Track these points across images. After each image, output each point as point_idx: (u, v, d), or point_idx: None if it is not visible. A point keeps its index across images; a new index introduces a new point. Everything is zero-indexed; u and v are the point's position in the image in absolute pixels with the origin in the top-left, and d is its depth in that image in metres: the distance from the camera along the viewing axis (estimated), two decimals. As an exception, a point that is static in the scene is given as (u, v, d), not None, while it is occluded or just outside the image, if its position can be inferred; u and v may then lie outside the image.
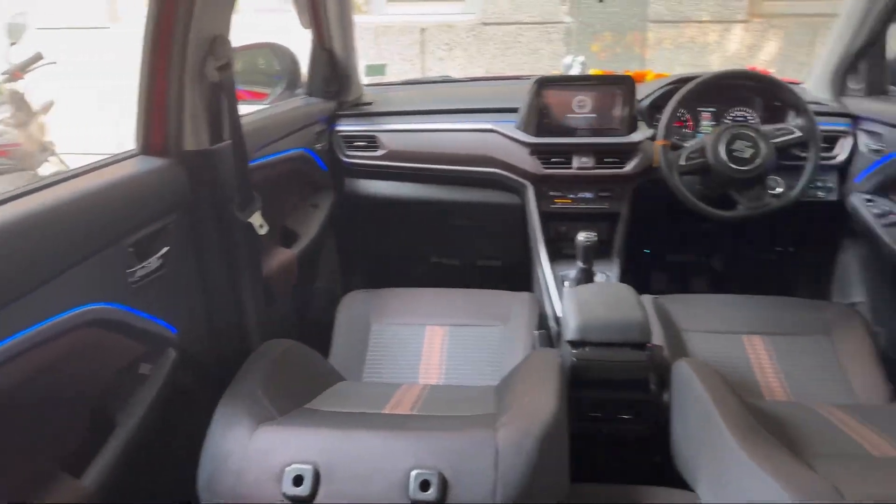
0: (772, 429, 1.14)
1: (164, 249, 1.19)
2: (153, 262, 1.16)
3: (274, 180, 1.81)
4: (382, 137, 2.14)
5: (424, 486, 0.93)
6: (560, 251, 2.08)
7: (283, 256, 1.67)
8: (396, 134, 2.14)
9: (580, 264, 1.86)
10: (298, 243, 1.81)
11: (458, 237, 2.42)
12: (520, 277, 2.18)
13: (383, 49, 4.61)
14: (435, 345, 1.76)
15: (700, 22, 4.27)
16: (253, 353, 1.27)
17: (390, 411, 1.21)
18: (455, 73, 4.53)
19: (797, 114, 1.85)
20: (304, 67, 2.18)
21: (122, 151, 1.23)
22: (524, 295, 1.89)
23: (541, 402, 1.10)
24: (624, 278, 2.06)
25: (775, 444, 1.00)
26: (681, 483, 1.24)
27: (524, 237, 2.15)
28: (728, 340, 1.68)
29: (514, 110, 2.07)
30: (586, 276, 1.88)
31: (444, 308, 1.88)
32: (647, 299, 1.78)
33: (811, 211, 2.07)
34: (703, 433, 1.16)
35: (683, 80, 1.95)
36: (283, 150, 1.81)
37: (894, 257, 1.72)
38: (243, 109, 1.83)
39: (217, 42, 1.22)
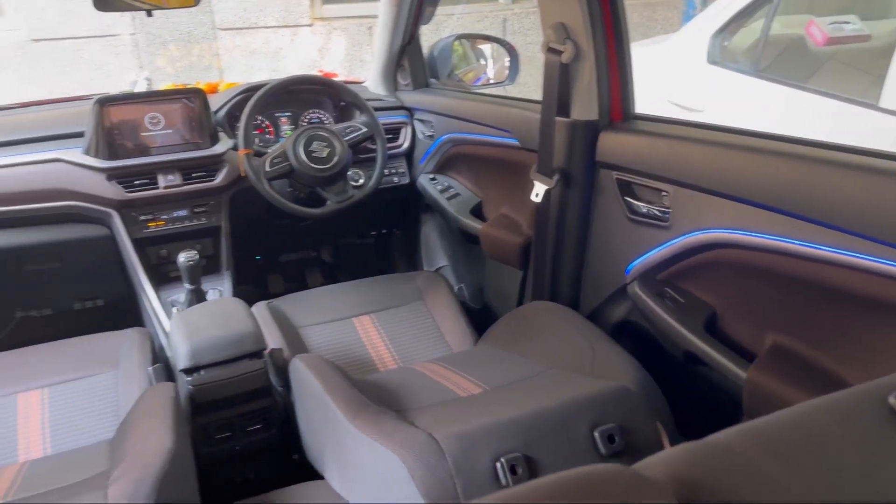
0: (382, 398, 1.26)
1: None
2: None
3: None
4: (-90, 185, 1.76)
5: None
6: (167, 275, 1.99)
7: None
8: (-70, 179, 1.78)
9: (187, 286, 1.80)
10: None
11: (44, 283, 2.13)
12: (130, 312, 2.03)
13: None
14: (33, 413, 1.53)
15: (268, 27, 4.40)
16: None
17: None
18: (7, 98, 3.93)
19: (360, 111, 2.04)
20: None
21: None
22: (131, 332, 1.76)
23: (154, 443, 1.05)
24: (239, 290, 2.05)
25: (382, 412, 1.11)
26: (317, 475, 1.31)
27: (123, 269, 1.99)
28: (341, 326, 1.80)
29: (80, 135, 1.89)
30: (197, 297, 1.83)
31: (35, 369, 1.64)
32: (261, 305, 1.80)
33: (392, 195, 2.32)
34: (321, 421, 1.23)
35: (254, 89, 2.00)
36: None
37: (458, 223, 2.03)
38: None
39: None
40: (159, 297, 1.93)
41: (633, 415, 1.09)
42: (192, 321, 1.45)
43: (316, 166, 1.88)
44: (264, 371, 1.43)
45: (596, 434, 1.05)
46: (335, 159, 1.90)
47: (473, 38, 2.55)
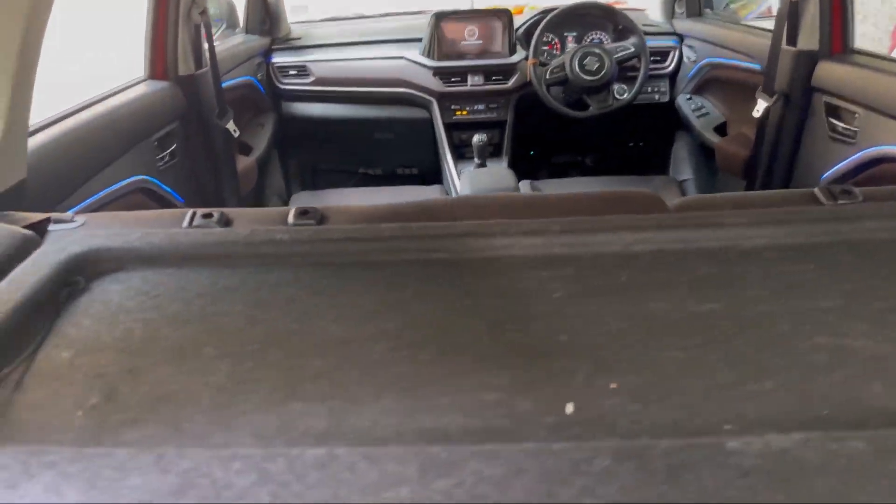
0: None
1: (173, 146, 1.66)
2: (167, 154, 1.63)
3: (230, 103, 2.26)
4: (311, 67, 2.60)
5: None
6: (463, 154, 2.63)
7: (245, 161, 2.14)
8: (323, 63, 2.60)
9: (476, 160, 2.41)
10: (254, 152, 2.29)
11: (381, 149, 2.93)
12: (433, 180, 2.73)
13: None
14: None
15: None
16: None
17: None
18: (372, 9, 4.89)
19: (632, 35, 2.43)
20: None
21: (134, 78, 1.68)
22: (435, 187, 2.44)
23: None
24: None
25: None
26: None
27: (434, 147, 2.67)
28: None
29: (418, 40, 2.57)
30: (481, 170, 2.44)
31: (373, 202, 2.40)
32: (525, 183, 2.35)
33: (651, 111, 2.69)
34: None
35: (548, 12, 2.49)
36: (235, 77, 2.26)
37: (700, 137, 2.35)
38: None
39: None
40: (456, 167, 2.58)
41: None
42: (474, 176, 2.05)
43: (586, 77, 2.33)
44: None
45: None
46: (603, 72, 2.33)
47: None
